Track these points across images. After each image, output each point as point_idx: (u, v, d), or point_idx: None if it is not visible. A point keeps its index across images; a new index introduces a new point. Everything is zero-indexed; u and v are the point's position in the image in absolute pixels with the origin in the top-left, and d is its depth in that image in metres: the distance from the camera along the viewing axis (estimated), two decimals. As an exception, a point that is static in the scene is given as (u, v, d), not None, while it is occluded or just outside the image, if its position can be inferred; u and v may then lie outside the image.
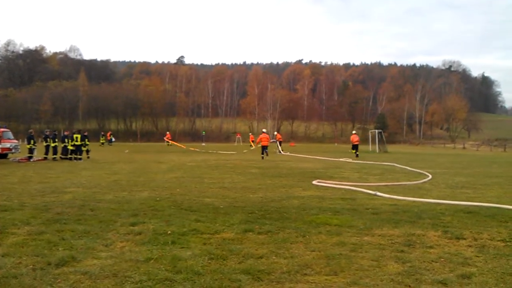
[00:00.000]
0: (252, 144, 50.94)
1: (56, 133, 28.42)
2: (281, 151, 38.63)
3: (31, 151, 26.05)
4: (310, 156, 32.93)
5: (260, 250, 5.98)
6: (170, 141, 61.33)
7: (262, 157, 29.30)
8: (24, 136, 73.10)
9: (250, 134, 70.82)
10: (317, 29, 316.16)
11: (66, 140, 27.18)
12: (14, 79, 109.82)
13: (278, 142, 40.68)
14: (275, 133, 49.19)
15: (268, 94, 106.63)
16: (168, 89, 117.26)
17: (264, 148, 30.25)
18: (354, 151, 33.72)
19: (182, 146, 50.95)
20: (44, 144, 27.61)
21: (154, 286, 4.51)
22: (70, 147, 26.81)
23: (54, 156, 26.76)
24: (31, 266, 5.10)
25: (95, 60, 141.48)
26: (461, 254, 5.90)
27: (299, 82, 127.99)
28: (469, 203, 10.09)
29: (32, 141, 26.32)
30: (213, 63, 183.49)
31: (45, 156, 26.81)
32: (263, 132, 32.54)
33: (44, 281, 4.61)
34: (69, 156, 26.62)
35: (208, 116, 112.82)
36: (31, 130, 28.98)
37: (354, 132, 38.70)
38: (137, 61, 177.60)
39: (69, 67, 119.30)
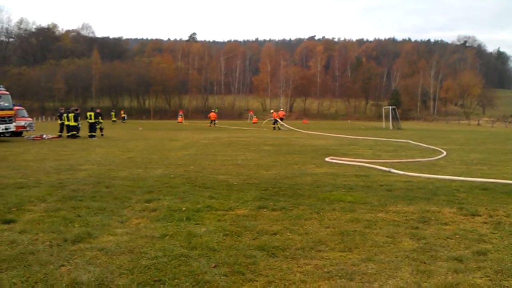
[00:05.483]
0: (213, 122, 50.59)
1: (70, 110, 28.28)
2: (276, 127, 41.97)
3: (77, 128, 26.34)
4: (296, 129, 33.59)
5: (275, 226, 5.98)
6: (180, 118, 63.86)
7: (274, 128, 41.36)
8: (39, 114, 74.30)
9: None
10: (330, 4, 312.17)
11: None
12: (27, 58, 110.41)
13: (273, 120, 43.56)
14: (271, 111, 50.35)
15: (280, 71, 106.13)
16: (181, 67, 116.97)
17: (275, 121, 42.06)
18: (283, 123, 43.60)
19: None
20: (59, 122, 27.75)
21: (169, 262, 4.53)
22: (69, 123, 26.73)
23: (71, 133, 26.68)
24: (47, 243, 5.16)
25: (108, 38, 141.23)
26: (477, 231, 5.85)
27: (312, 58, 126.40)
28: (484, 179, 9.99)
29: (79, 119, 26.71)
30: (225, 40, 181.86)
31: (60, 134, 26.97)
32: (272, 111, 46.48)
33: (60, 257, 4.66)
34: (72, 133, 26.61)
35: (221, 93, 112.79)
36: (77, 108, 28.85)
37: (282, 109, 51.98)
38: (149, 38, 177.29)
39: (81, 45, 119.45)
